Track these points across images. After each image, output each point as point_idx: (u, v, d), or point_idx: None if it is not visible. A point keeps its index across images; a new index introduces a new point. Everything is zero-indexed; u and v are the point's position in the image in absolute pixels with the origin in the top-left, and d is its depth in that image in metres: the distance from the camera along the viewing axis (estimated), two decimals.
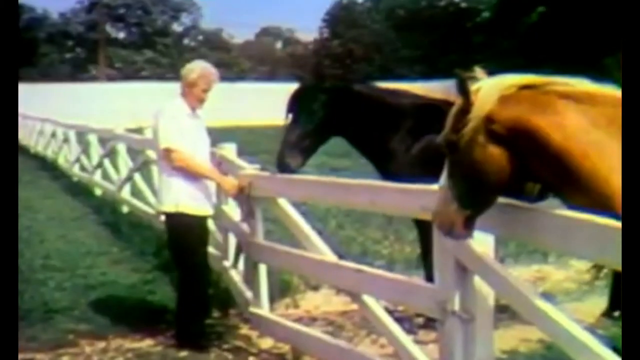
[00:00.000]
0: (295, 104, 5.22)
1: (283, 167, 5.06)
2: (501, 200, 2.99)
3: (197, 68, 5.20)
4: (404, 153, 5.09)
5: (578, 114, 2.74)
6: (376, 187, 4.23)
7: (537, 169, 2.82)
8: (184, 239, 5.16)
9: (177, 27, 68.86)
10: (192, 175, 5.12)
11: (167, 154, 5.10)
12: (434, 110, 4.62)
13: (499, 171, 2.81)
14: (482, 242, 3.35)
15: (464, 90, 2.82)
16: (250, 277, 5.62)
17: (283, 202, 5.16)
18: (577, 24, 32.94)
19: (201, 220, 5.24)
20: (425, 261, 4.92)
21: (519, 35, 37.79)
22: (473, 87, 2.84)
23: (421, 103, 5.16)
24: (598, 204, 2.67)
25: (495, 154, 2.79)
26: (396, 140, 5.14)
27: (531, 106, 2.77)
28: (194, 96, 5.18)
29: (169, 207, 5.15)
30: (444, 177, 2.96)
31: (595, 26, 31.45)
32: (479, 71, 2.94)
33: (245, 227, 5.56)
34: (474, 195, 2.86)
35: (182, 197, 5.09)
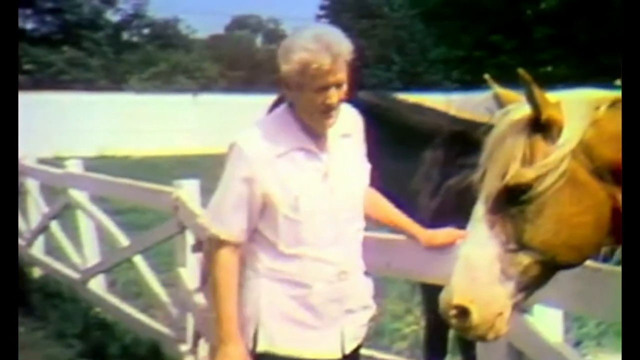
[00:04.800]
0: None
1: None
2: None
3: (295, 47, 3.46)
4: (431, 196, 5.05)
5: None
6: (394, 242, 4.26)
7: None
8: None
9: (112, 16, 69.16)
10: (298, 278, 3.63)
11: (211, 247, 3.70)
12: (470, 137, 4.69)
13: (604, 223, 2.73)
14: (545, 319, 3.40)
15: (537, 101, 2.71)
16: None
17: None
18: None
19: None
20: (464, 345, 4.96)
21: (604, 25, 38.03)
22: (548, 98, 2.76)
23: (456, 129, 5.14)
24: None
25: (602, 199, 2.72)
26: (419, 178, 5.11)
27: None
28: (309, 106, 3.53)
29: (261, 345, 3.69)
30: (476, 240, 2.78)
31: None
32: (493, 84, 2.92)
33: (202, 298, 5.60)
34: (555, 265, 2.77)
35: (274, 324, 3.67)
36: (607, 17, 37.52)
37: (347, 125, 3.74)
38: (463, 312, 2.71)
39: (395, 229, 4.10)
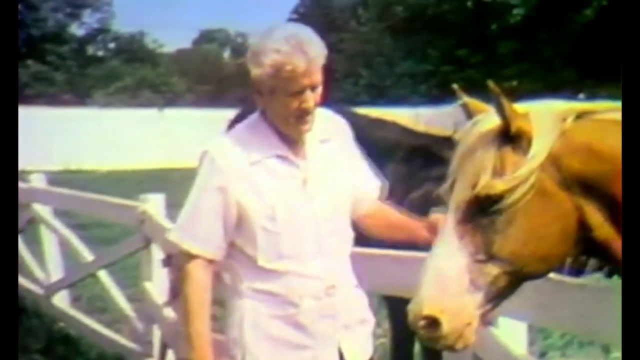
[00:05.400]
0: None
1: None
2: None
3: (266, 49, 3.24)
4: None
5: None
6: (363, 255, 4.27)
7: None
8: None
9: (77, 30, 68.61)
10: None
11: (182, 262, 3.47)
12: (432, 151, 4.74)
13: (570, 233, 2.76)
14: (510, 331, 3.42)
15: (506, 113, 2.73)
16: None
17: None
18: None
19: None
20: (429, 358, 4.97)
21: (566, 40, 38.30)
22: (517, 109, 2.78)
23: (418, 143, 5.21)
24: None
25: (569, 209, 2.74)
26: (382, 193, 5.17)
27: None
28: (283, 112, 3.31)
29: None
30: (445, 251, 2.77)
31: None
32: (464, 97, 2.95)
33: (171, 311, 5.60)
34: (522, 275, 2.78)
35: (261, 347, 3.42)
36: (570, 32, 37.83)
37: (325, 130, 3.50)
38: (433, 323, 2.71)
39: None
